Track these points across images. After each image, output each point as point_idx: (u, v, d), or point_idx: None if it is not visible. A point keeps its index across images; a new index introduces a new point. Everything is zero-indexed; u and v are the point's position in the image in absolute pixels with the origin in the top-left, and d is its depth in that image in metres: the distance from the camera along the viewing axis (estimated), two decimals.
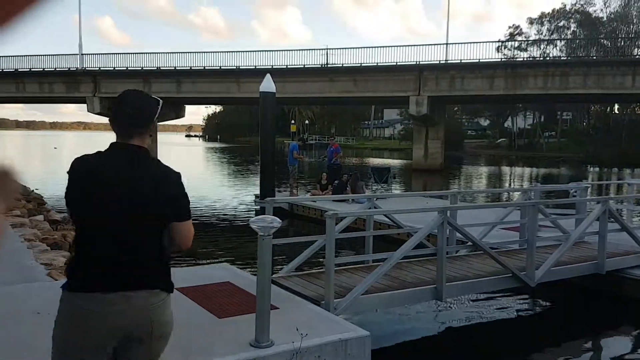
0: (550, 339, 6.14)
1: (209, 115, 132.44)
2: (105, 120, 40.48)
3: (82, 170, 2.16)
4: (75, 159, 2.20)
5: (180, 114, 42.26)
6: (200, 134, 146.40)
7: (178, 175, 2.29)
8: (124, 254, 2.11)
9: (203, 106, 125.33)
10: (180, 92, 35.66)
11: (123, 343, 2.13)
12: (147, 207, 2.16)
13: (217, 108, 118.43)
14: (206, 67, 34.77)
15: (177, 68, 35.28)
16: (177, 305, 4.89)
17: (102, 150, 2.23)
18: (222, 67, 34.53)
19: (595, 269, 7.14)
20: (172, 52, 36.65)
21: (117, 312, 2.07)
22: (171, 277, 2.24)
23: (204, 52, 35.23)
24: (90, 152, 2.22)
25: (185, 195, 2.27)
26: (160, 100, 2.33)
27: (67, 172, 2.17)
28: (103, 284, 2.07)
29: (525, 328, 6.67)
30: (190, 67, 35.05)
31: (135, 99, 2.22)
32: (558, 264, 6.76)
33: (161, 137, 46.88)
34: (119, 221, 2.12)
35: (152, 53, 36.13)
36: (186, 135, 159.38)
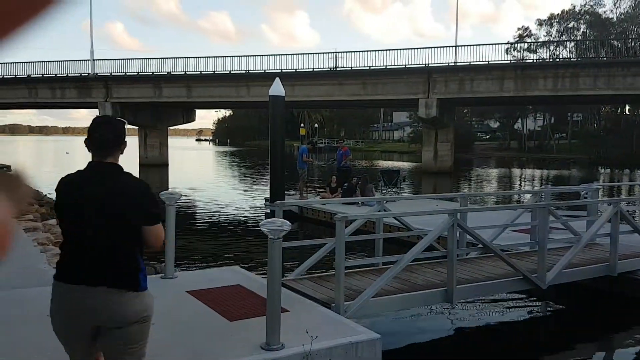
0: (561, 342, 6.10)
1: (219, 119, 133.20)
2: None
3: (64, 185, 2.61)
4: (61, 179, 2.64)
5: (190, 118, 42.51)
6: (210, 138, 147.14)
7: (146, 186, 2.64)
8: (88, 254, 2.51)
9: (213, 110, 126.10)
10: (190, 96, 35.87)
11: (96, 329, 2.53)
12: (117, 216, 2.51)
13: (226, 112, 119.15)
14: (216, 72, 34.94)
15: (187, 73, 35.49)
16: (188, 308, 4.95)
17: (82, 169, 2.62)
18: (231, 72, 34.70)
19: (607, 270, 7.08)
20: (183, 57, 36.87)
21: (78, 300, 2.48)
22: (140, 276, 2.56)
23: (214, 57, 35.42)
24: (72, 172, 2.65)
25: (153, 203, 2.62)
26: (125, 121, 2.74)
27: (54, 190, 2.61)
28: (70, 277, 2.51)
29: (536, 331, 6.64)
30: (200, 71, 35.25)
31: (105, 125, 2.62)
32: (569, 266, 6.72)
33: (172, 141, 47.22)
34: (88, 227, 2.50)
35: (163, 58, 36.38)
36: (196, 140, 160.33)
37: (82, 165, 2.61)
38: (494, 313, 6.94)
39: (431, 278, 6.20)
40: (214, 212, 16.02)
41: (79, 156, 46.41)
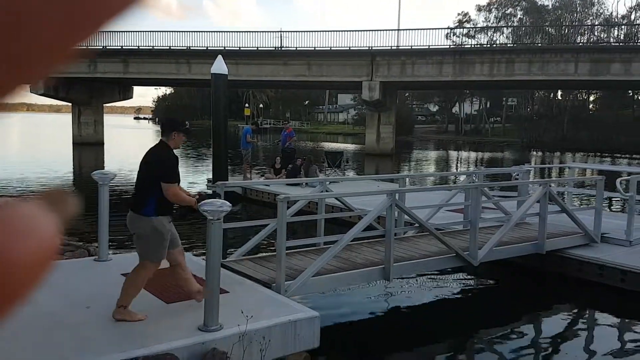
0: (492, 317, 6.43)
1: (158, 97, 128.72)
2: (50, 101, 38.84)
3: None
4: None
5: (127, 95, 40.92)
6: (150, 116, 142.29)
7: (165, 156, 4.38)
8: (134, 193, 4.47)
9: (152, 87, 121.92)
10: (127, 72, 34.45)
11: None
12: (146, 170, 4.37)
13: (167, 90, 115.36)
14: (155, 47, 33.71)
15: (123, 47, 33.99)
16: None
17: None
18: (171, 48, 33.58)
19: (535, 249, 7.49)
20: (119, 31, 35.02)
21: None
22: (146, 209, 4.25)
23: (153, 32, 34.10)
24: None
25: (163, 167, 4.30)
26: (187, 122, 4.81)
27: None
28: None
29: (468, 306, 6.96)
30: (138, 46, 33.86)
31: (165, 118, 5.04)
32: (500, 244, 7.05)
33: (108, 119, 45.35)
34: (138, 177, 4.42)
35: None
36: (135, 118, 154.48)
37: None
38: (429, 289, 7.21)
39: (370, 256, 6.35)
40: None
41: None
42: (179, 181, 4.39)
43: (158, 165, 4.27)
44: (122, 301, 4.19)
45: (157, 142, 4.51)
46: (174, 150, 4.48)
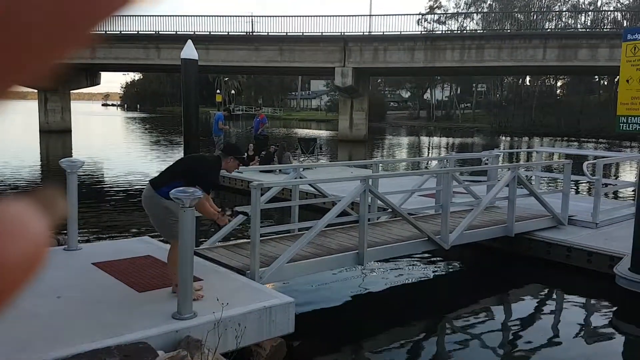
0: (462, 298, 6.56)
1: (127, 83, 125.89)
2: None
3: None
4: None
5: (95, 81, 39.85)
6: (119, 102, 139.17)
7: (215, 169, 4.65)
8: (162, 172, 4.68)
9: (121, 73, 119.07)
10: (94, 57, 33.52)
11: None
12: (192, 168, 4.59)
13: (136, 75, 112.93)
14: (122, 32, 32.88)
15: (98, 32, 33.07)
16: (93, 280, 4.75)
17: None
18: (139, 32, 32.82)
19: (504, 231, 7.65)
20: None
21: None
22: (163, 190, 4.31)
23: (121, 15, 33.18)
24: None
25: (208, 176, 4.56)
26: (244, 155, 5.14)
27: None
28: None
29: (439, 288, 7.09)
30: (105, 31, 32.73)
31: (230, 144, 6.07)
32: (470, 228, 7.18)
33: (75, 105, 44.20)
34: (177, 163, 4.74)
35: None
36: (103, 104, 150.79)
37: None
38: (402, 273, 7.31)
39: (344, 242, 6.38)
40: (123, 181, 15.33)
41: None
42: (209, 192, 4.59)
43: (204, 171, 4.50)
44: (175, 280, 4.34)
45: (216, 154, 4.88)
46: (224, 172, 4.78)
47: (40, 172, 17.52)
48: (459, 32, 43.26)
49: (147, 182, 4.56)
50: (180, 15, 33.45)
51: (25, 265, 0.25)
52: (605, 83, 59.02)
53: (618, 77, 7.23)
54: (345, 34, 31.42)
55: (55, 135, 32.70)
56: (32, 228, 0.25)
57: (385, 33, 31.34)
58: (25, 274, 0.25)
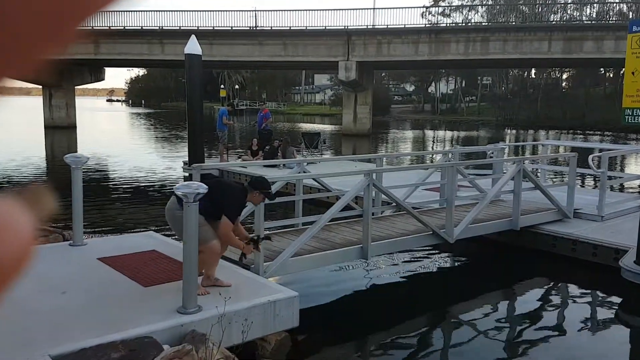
0: (467, 292, 6.55)
1: (131, 78, 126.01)
2: (19, 84, 37.61)
3: None
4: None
5: (99, 77, 39.94)
6: (123, 98, 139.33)
7: (240, 199, 4.69)
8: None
9: (125, 69, 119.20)
10: (98, 53, 33.57)
11: None
12: (218, 194, 4.49)
13: (140, 71, 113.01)
14: (126, 28, 32.89)
15: (93, 27, 32.63)
16: (99, 275, 4.78)
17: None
18: (143, 28, 32.82)
19: (510, 225, 7.63)
20: None
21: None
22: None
23: (124, 11, 33.23)
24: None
25: (233, 205, 4.62)
26: (272, 192, 4.99)
27: None
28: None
29: (444, 282, 7.08)
30: (109, 26, 32.97)
31: (257, 177, 5.04)
32: (475, 222, 7.16)
33: (80, 101, 44.27)
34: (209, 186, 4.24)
35: None
36: (107, 100, 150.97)
37: None
38: (406, 267, 7.30)
39: (348, 236, 6.38)
40: (129, 176, 15.37)
41: None
42: (234, 219, 4.61)
43: (229, 200, 4.53)
44: (208, 271, 4.50)
45: (244, 184, 4.89)
46: (249, 204, 4.88)
47: (45, 168, 17.58)
48: (463, 24, 42.97)
49: (171, 193, 4.60)
50: (184, 10, 33.38)
51: (12, 263, 0.24)
52: (611, 75, 58.62)
53: (624, 69, 7.16)
54: (349, 27, 31.29)
55: (60, 131, 32.81)
56: (19, 225, 0.25)
57: (389, 26, 31.19)
58: (12, 271, 0.25)
